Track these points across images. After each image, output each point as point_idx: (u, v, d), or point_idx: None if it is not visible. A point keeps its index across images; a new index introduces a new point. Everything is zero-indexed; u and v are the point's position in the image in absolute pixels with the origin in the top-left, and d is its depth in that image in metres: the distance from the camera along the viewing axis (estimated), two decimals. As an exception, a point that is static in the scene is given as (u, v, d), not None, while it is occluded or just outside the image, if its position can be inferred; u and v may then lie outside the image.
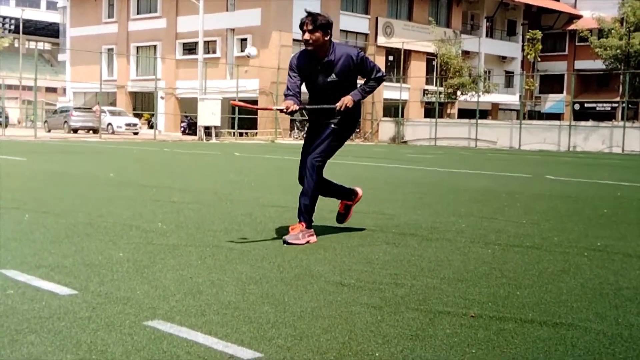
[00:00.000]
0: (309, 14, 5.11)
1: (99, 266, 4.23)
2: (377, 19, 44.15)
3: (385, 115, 44.44)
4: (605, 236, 5.93)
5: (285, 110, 5.06)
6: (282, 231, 5.58)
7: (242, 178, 10.88)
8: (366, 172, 13.65)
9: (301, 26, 5.10)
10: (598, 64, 47.85)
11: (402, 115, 42.37)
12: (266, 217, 6.51)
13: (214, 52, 41.86)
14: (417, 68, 46.57)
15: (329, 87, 5.21)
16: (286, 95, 5.17)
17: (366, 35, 44.17)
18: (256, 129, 39.30)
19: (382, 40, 44.40)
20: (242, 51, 40.85)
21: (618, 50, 38.33)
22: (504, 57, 53.27)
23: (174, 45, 44.93)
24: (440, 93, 41.94)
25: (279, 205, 7.47)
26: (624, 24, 40.85)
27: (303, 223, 5.26)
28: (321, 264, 4.50)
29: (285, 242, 5.13)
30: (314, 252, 4.90)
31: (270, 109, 5.32)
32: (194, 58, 40.57)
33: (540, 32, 46.80)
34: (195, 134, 37.41)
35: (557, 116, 54.31)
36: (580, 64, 54.15)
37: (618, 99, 46.54)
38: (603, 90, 50.81)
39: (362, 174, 12.92)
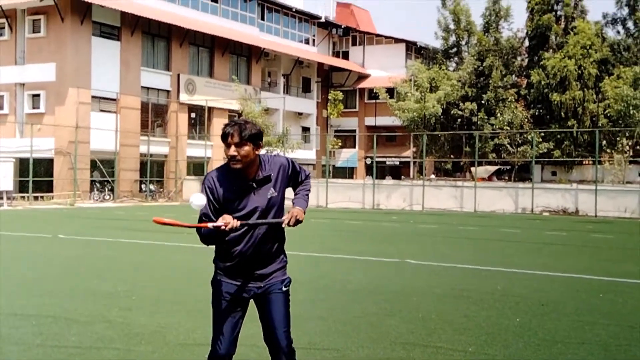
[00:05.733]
0: (234, 122, 4.13)
1: None
2: (179, 75, 43.39)
3: (189, 173, 43.60)
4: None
5: (224, 227, 4.02)
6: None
7: (115, 287, 9.69)
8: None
9: (224, 138, 4.12)
10: (387, 120, 50.94)
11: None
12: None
13: (1, 107, 38.54)
14: (221, 125, 45.55)
15: (270, 206, 4.27)
16: (206, 217, 4.16)
17: (168, 92, 43.26)
18: (52, 191, 36.54)
19: (184, 97, 43.69)
20: (34, 107, 37.98)
21: (415, 113, 41.12)
22: (300, 113, 54.83)
23: (-50, 98, 40.70)
24: (245, 151, 42.01)
25: (205, 342, 6.62)
26: (413, 85, 43.94)
27: None
28: None
29: None
30: None
31: (206, 226, 4.11)
32: (-23, 114, 37.07)
33: (341, 94, 48.84)
34: (-21, 196, 33.97)
35: (351, 170, 56.84)
36: (370, 120, 57.25)
37: (407, 154, 49.72)
38: (392, 145, 54.00)
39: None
